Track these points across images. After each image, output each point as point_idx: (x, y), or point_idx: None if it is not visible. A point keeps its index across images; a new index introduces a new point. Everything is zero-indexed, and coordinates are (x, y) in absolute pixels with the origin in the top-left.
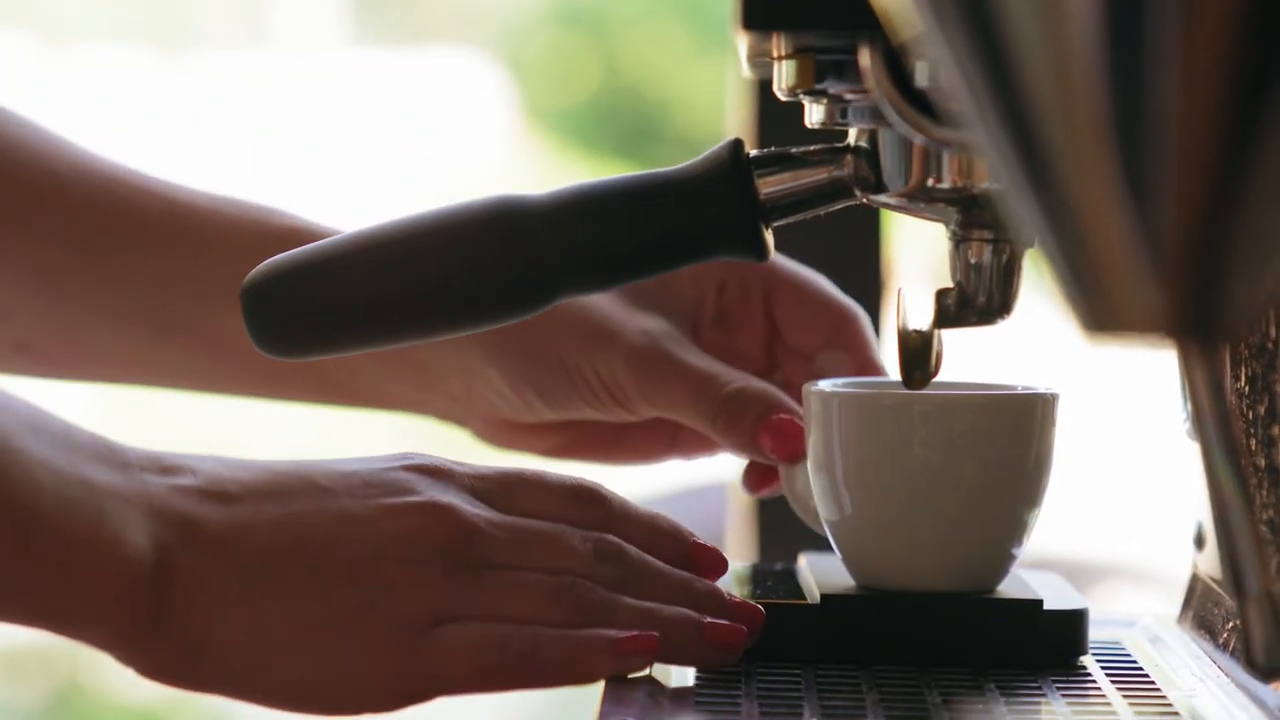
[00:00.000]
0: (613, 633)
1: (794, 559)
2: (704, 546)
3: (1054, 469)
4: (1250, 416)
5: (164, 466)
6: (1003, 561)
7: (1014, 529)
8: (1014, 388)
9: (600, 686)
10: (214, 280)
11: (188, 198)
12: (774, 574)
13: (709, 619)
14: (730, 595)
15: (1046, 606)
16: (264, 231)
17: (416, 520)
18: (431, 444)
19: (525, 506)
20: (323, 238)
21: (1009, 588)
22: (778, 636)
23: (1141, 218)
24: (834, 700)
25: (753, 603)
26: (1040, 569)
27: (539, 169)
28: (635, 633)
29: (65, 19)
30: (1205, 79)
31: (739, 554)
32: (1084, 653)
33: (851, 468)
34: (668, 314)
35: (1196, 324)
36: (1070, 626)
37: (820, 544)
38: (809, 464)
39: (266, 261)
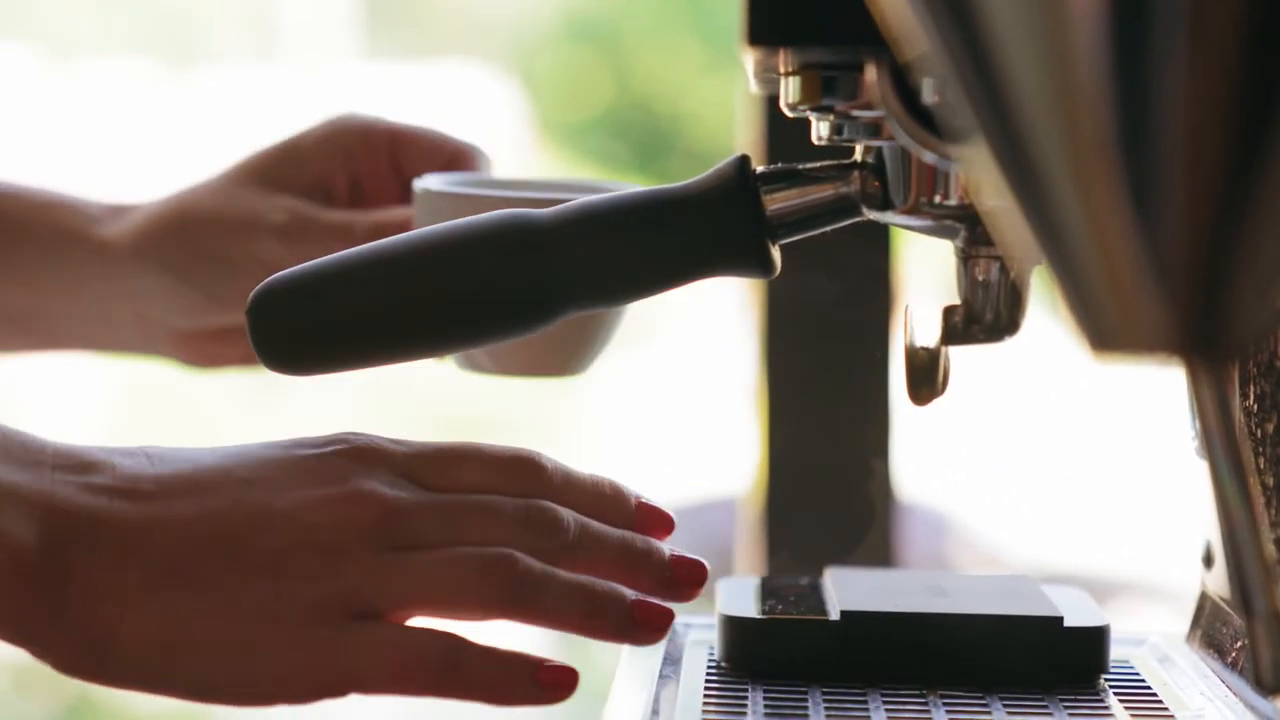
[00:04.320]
0: (535, 659)
1: (802, 572)
2: (649, 507)
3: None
4: (1258, 435)
5: (81, 464)
6: (591, 351)
7: (600, 323)
8: (604, 187)
9: (604, 694)
10: None
11: None
12: (798, 587)
13: (639, 597)
14: (672, 550)
15: (1066, 624)
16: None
17: (339, 510)
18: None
19: (461, 481)
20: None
21: (1030, 604)
22: (797, 652)
23: (1147, 235)
24: (839, 718)
25: (694, 557)
26: (1061, 583)
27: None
28: (558, 664)
29: (73, 32)
30: (1211, 94)
31: (748, 567)
32: (1105, 670)
33: None
34: (301, 192)
35: (1203, 342)
36: (1090, 644)
37: (838, 558)
38: None
39: (272, 276)
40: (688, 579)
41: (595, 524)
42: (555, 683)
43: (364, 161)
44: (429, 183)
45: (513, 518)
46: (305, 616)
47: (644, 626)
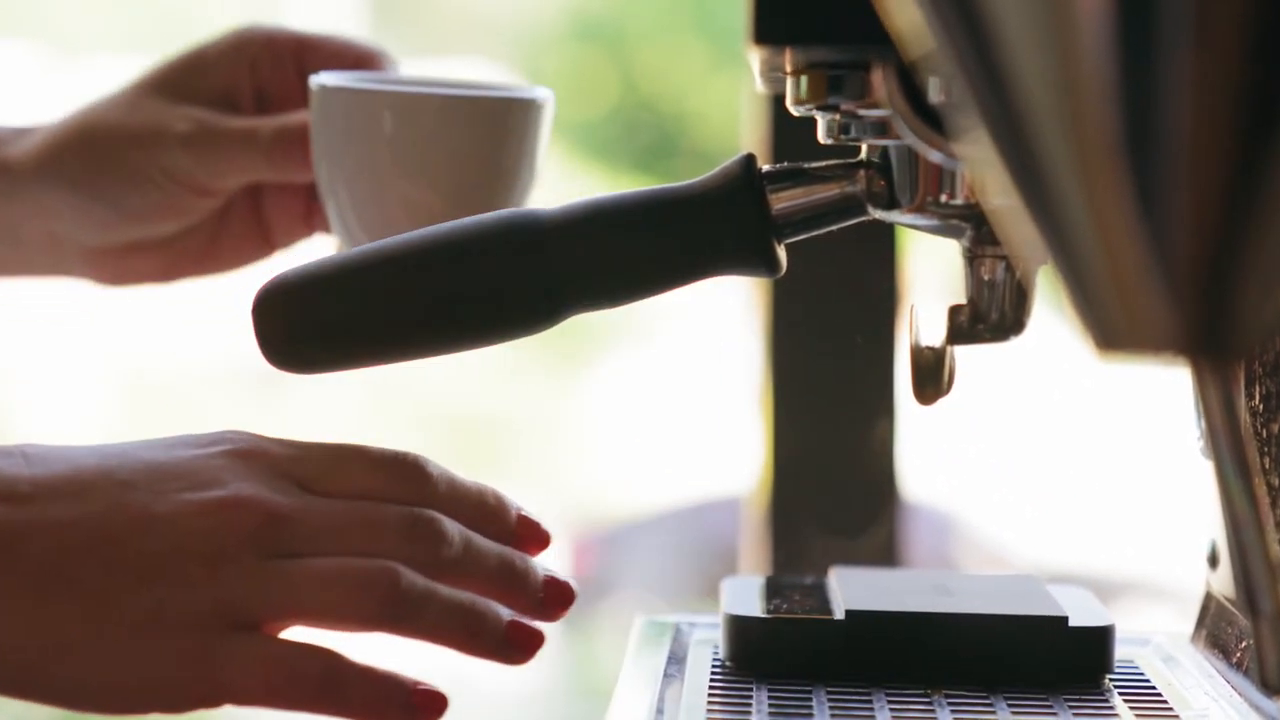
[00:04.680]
0: (409, 681)
1: (806, 571)
2: (529, 521)
3: (534, 159)
4: (1264, 435)
5: None
6: None
7: (486, 207)
8: (499, 89)
9: (609, 693)
10: None
11: None
12: (803, 587)
13: (513, 618)
14: (547, 571)
15: (1071, 623)
16: None
17: (219, 516)
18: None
19: (345, 485)
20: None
21: (1035, 604)
22: (802, 651)
23: (1153, 235)
24: (844, 718)
25: (564, 579)
26: (1066, 583)
27: (556, 181)
28: (429, 688)
29: (76, 31)
30: (1218, 93)
31: (752, 567)
32: (1109, 670)
33: (335, 152)
34: (206, 102)
35: (1209, 342)
36: (1095, 644)
37: (843, 558)
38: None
39: (276, 275)
40: (556, 600)
41: (478, 539)
42: (426, 705)
43: (269, 69)
44: (323, 79)
45: (397, 528)
46: (182, 625)
47: (516, 648)
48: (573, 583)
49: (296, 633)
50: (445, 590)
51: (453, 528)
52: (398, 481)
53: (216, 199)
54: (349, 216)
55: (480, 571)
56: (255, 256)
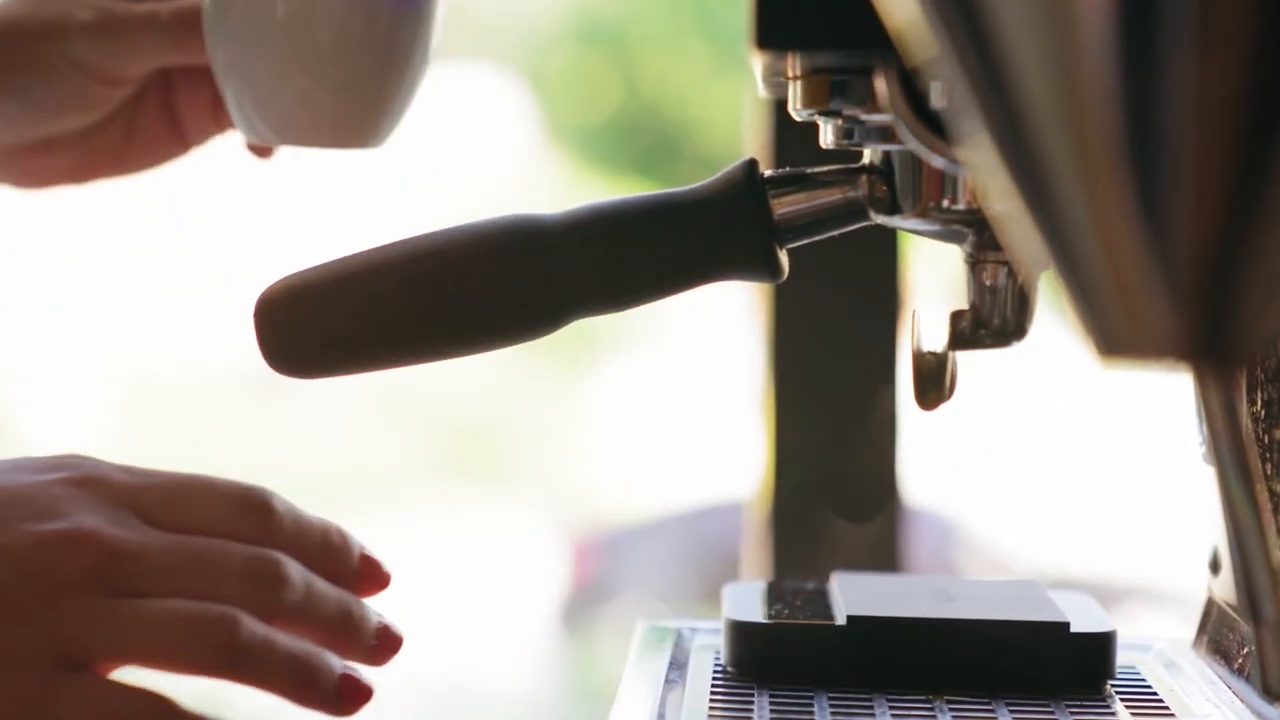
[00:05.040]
0: None
1: (808, 577)
2: (372, 560)
3: (427, 44)
4: (1266, 441)
5: None
6: (385, 120)
7: (379, 91)
8: None
9: (610, 698)
10: None
11: None
12: (805, 592)
13: (345, 669)
14: (380, 619)
15: (1073, 629)
16: None
17: (59, 550)
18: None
19: (187, 519)
20: None
21: (1037, 610)
22: (804, 657)
23: (1155, 239)
24: None
25: (396, 629)
26: (1067, 588)
27: (559, 186)
28: None
29: None
30: (1219, 98)
31: (754, 572)
32: (1111, 676)
33: (227, 34)
34: None
35: (1211, 348)
36: (1096, 649)
37: (845, 563)
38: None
39: (278, 279)
40: (387, 648)
41: (320, 583)
42: None
43: None
44: None
45: (239, 570)
46: (13, 661)
47: (347, 699)
48: (401, 631)
49: (130, 673)
50: (283, 640)
51: (295, 571)
52: (242, 517)
53: (126, 88)
54: (245, 103)
55: (318, 618)
56: (169, 154)
